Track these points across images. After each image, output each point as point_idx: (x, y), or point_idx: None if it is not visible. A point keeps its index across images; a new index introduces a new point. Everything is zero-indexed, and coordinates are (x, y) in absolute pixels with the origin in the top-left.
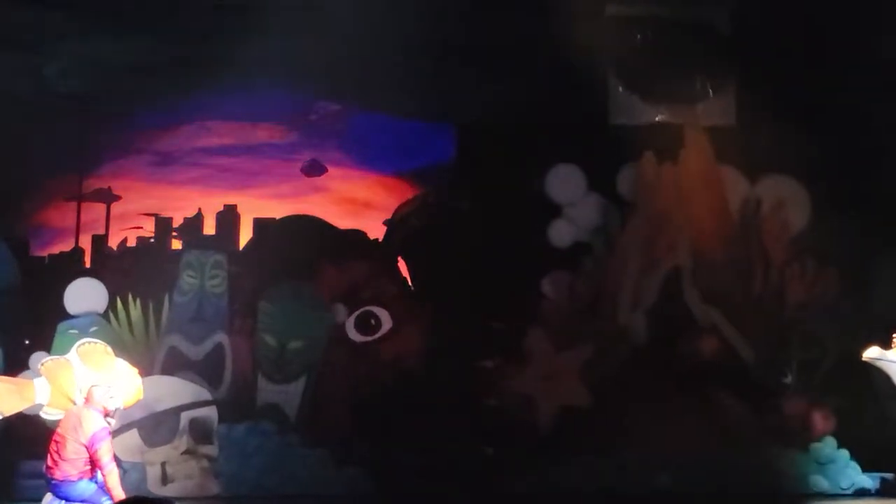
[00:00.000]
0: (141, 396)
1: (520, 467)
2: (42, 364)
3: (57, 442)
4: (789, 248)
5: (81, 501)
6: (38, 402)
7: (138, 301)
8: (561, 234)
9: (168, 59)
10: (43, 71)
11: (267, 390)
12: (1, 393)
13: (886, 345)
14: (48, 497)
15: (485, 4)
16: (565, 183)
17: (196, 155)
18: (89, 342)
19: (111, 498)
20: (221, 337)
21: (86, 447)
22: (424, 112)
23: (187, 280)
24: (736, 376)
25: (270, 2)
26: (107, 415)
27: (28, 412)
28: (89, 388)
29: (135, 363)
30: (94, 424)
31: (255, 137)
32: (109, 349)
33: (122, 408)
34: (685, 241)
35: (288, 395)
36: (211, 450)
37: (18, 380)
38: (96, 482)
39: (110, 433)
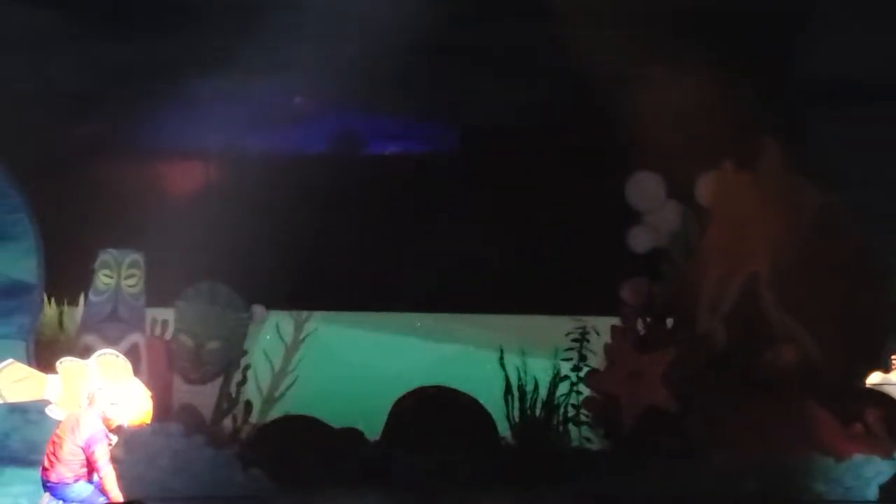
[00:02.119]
0: (148, 421)
1: (601, 468)
2: (60, 362)
3: (54, 443)
4: (863, 256)
5: (79, 503)
6: (46, 397)
7: (52, 300)
8: (640, 240)
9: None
10: None
11: (182, 391)
12: (13, 379)
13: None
14: (45, 498)
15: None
16: (645, 190)
17: None
18: (112, 354)
19: (108, 500)
20: (137, 337)
21: (82, 449)
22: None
23: (103, 279)
24: (817, 383)
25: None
26: (108, 427)
27: (31, 405)
28: (94, 391)
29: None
30: (91, 427)
31: None
32: (129, 367)
33: (125, 425)
34: (764, 247)
35: (204, 395)
36: (116, 451)
37: (33, 371)
38: (93, 484)
39: (107, 436)
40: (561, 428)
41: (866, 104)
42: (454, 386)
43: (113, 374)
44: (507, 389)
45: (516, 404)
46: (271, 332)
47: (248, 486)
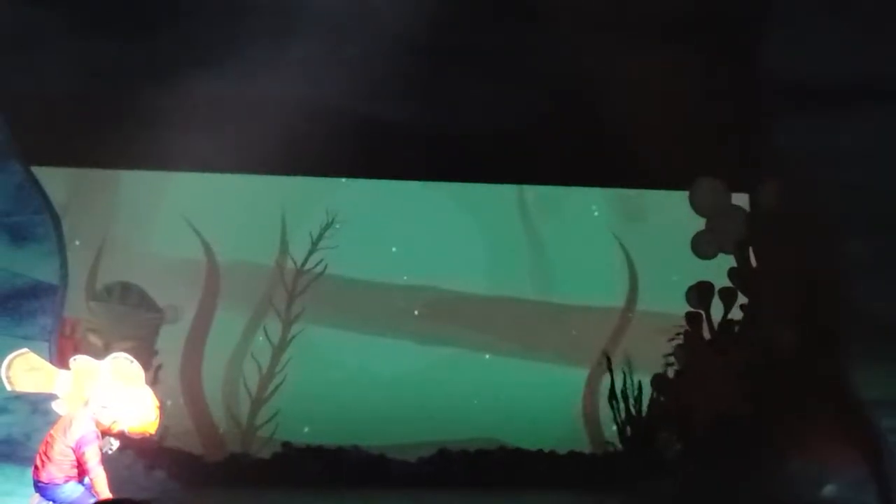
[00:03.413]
0: (152, 430)
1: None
2: (74, 359)
3: (47, 443)
4: None
5: (69, 503)
6: (55, 391)
7: None
8: (705, 246)
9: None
10: None
11: None
12: (26, 368)
13: None
14: (35, 498)
15: None
16: (709, 195)
17: None
18: (128, 359)
19: (98, 502)
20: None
21: (73, 450)
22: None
23: None
24: None
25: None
26: (106, 433)
27: (38, 397)
28: (91, 394)
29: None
30: (82, 428)
31: None
32: (142, 375)
33: (125, 432)
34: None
35: None
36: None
37: (46, 364)
38: (84, 485)
39: (99, 438)
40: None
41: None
42: (448, 388)
43: (123, 378)
44: (612, 394)
45: (622, 407)
46: (260, 333)
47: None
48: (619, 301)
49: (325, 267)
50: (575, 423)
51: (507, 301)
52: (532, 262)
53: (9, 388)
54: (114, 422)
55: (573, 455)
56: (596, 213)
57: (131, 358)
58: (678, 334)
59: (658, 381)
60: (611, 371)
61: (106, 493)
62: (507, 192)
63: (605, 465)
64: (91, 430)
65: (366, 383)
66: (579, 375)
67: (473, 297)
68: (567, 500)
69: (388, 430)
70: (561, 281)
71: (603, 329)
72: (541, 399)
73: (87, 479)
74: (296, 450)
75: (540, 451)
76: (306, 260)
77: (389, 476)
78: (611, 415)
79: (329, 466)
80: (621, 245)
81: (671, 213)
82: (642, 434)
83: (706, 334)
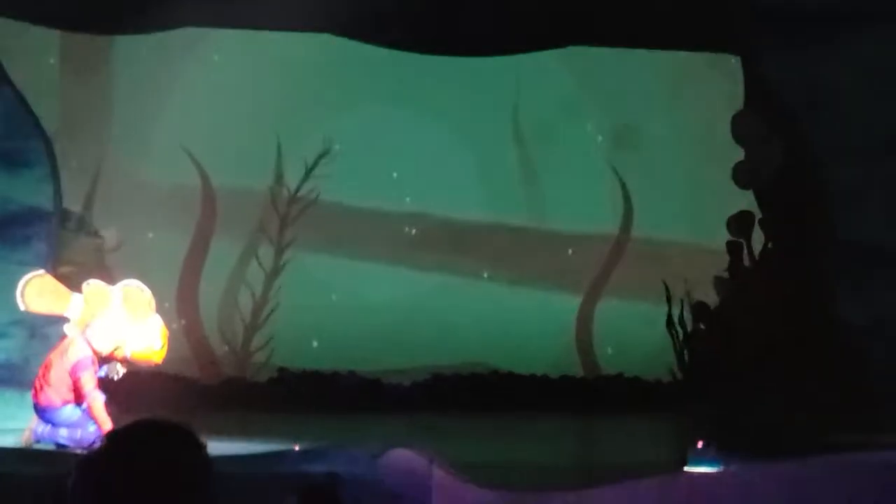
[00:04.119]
0: (157, 360)
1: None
2: (87, 283)
3: (46, 366)
4: None
5: (68, 426)
6: (67, 314)
7: None
8: (744, 175)
9: None
10: None
11: None
12: (41, 290)
13: None
14: (35, 420)
15: None
16: (748, 124)
17: None
18: (139, 287)
19: (98, 426)
20: None
21: (69, 374)
22: None
23: None
24: None
25: None
26: (111, 359)
27: (53, 331)
28: (90, 318)
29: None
30: (78, 352)
31: None
32: (152, 303)
33: (129, 358)
34: None
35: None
36: None
37: (60, 286)
38: (82, 409)
39: (95, 363)
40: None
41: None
42: (441, 314)
43: (132, 306)
44: (669, 321)
45: (680, 335)
46: (253, 260)
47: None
48: (613, 228)
49: (319, 194)
50: (568, 348)
51: (502, 227)
52: (527, 188)
53: (23, 308)
54: (117, 348)
55: (565, 379)
56: (599, 139)
57: (142, 285)
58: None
59: (699, 309)
60: (669, 301)
61: (104, 419)
62: (503, 117)
63: (596, 390)
64: (87, 356)
65: (359, 309)
66: (573, 301)
67: (467, 223)
68: (559, 425)
69: (382, 355)
70: (556, 207)
71: (597, 256)
72: (534, 324)
73: (85, 404)
74: (291, 374)
75: (532, 375)
76: (300, 187)
77: (383, 400)
78: (599, 341)
79: (324, 391)
80: (616, 172)
81: (667, 141)
82: (688, 363)
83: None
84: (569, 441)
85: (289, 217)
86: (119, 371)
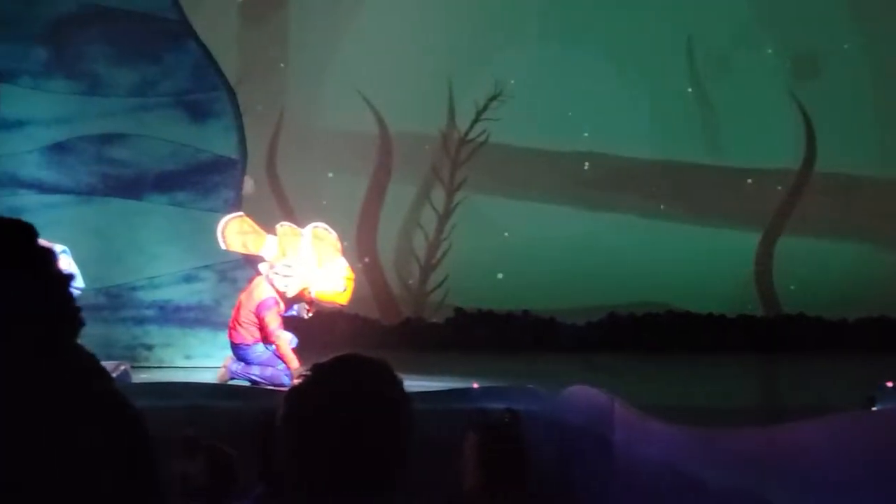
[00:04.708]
0: (341, 301)
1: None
2: (280, 225)
3: (237, 306)
4: None
5: (259, 364)
6: (262, 254)
7: None
8: None
9: None
10: None
11: None
12: (239, 231)
13: None
14: (229, 358)
15: None
16: None
17: None
18: (326, 229)
19: (286, 364)
20: None
21: (254, 313)
22: None
23: None
24: None
25: None
26: (298, 299)
27: (241, 275)
28: (282, 259)
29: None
30: (262, 292)
31: None
32: (338, 245)
33: (314, 298)
34: None
35: None
36: None
37: (257, 228)
38: (270, 348)
39: (277, 303)
40: None
41: None
42: (616, 253)
43: (321, 247)
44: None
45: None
46: (425, 201)
47: None
48: (794, 161)
49: (489, 135)
50: (746, 286)
51: (678, 163)
52: (702, 123)
53: (223, 246)
54: (304, 288)
55: (744, 319)
56: (778, 68)
57: (329, 228)
58: None
59: None
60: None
61: (290, 356)
62: (677, 50)
63: (777, 330)
64: (271, 296)
65: (533, 248)
66: (751, 239)
67: (642, 160)
68: (737, 365)
69: (556, 295)
70: (732, 143)
71: (777, 190)
72: (711, 263)
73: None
74: (466, 314)
75: (710, 314)
76: (470, 128)
77: (558, 340)
78: (780, 278)
79: (499, 330)
80: (798, 102)
81: (852, 68)
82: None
83: None
84: (748, 382)
85: (459, 159)
86: (300, 311)
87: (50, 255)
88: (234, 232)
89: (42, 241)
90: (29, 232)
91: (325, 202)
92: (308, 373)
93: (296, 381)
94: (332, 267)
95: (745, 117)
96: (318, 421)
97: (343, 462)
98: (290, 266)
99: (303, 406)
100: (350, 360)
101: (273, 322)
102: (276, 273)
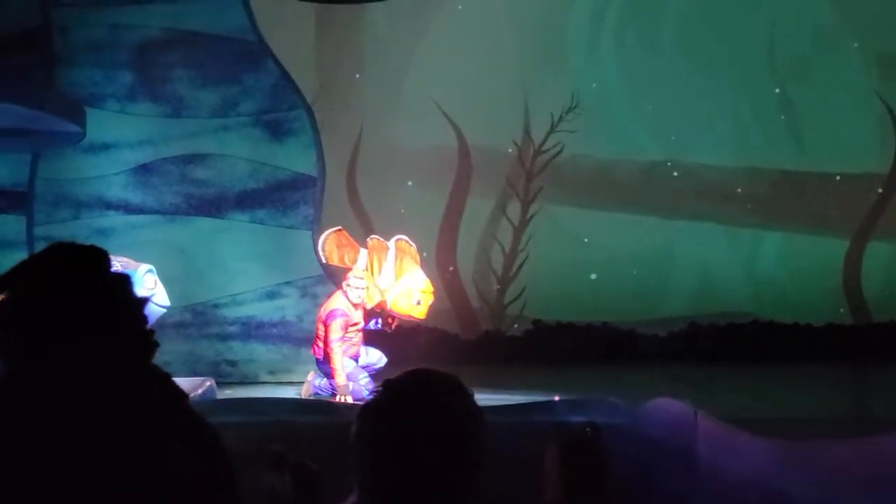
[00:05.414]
0: (417, 315)
1: None
2: (370, 238)
3: (317, 321)
4: None
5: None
6: (356, 266)
7: None
8: None
9: None
10: None
11: None
12: (339, 244)
13: None
14: (313, 373)
15: None
16: None
17: None
18: (408, 242)
19: (333, 379)
20: None
21: (322, 322)
22: None
23: None
24: None
25: None
26: (378, 311)
27: (321, 290)
28: (357, 273)
29: None
30: (332, 303)
31: None
32: (417, 256)
33: (391, 310)
34: None
35: None
36: None
37: (353, 241)
38: (356, 361)
39: (345, 315)
40: None
41: None
42: (696, 262)
43: (403, 259)
44: None
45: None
46: (501, 213)
47: None
48: (882, 165)
49: (564, 146)
50: (834, 295)
51: (760, 170)
52: (785, 128)
53: (323, 260)
54: (382, 301)
55: (831, 328)
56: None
57: (409, 240)
58: None
59: None
60: None
61: (339, 369)
62: (758, 54)
63: (865, 338)
64: (337, 307)
65: (612, 259)
66: (838, 246)
67: (723, 167)
68: (825, 375)
69: (635, 306)
70: (816, 147)
71: (865, 195)
72: (795, 271)
73: (356, 356)
74: (545, 326)
75: (796, 323)
76: (545, 140)
77: (639, 351)
78: (869, 285)
79: (579, 342)
80: (885, 105)
81: None
82: None
83: None
84: (836, 392)
85: (533, 170)
86: (389, 324)
87: (123, 280)
88: (334, 245)
89: (128, 261)
90: (101, 257)
91: (403, 214)
92: (380, 389)
93: (368, 399)
94: (410, 280)
95: (830, 120)
96: (391, 438)
97: (417, 478)
98: (361, 278)
99: (375, 423)
100: (421, 375)
101: (333, 333)
102: (349, 285)
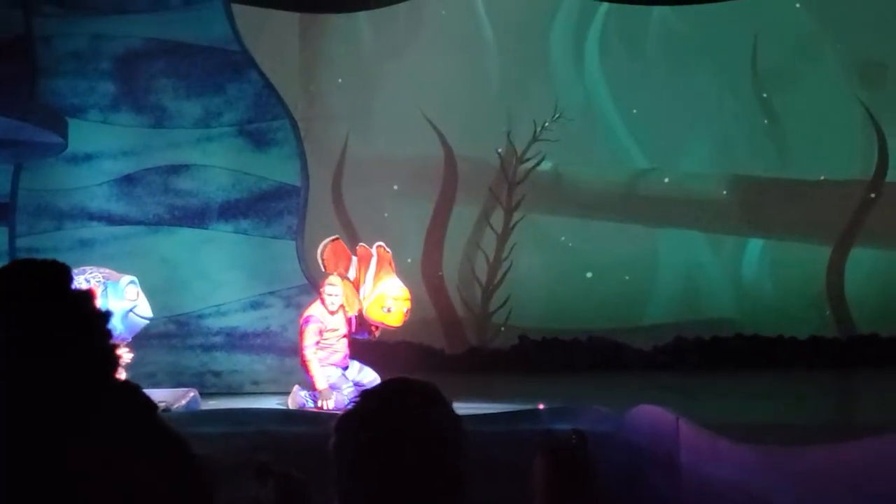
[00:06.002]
0: (391, 322)
1: None
2: (358, 247)
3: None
4: None
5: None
6: (348, 275)
7: None
8: None
9: None
10: None
11: None
12: (336, 252)
13: None
14: (297, 386)
15: None
16: None
17: None
18: (384, 248)
19: (313, 385)
20: None
21: (300, 327)
22: None
23: None
24: None
25: None
26: (370, 319)
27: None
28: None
29: None
30: (308, 310)
31: None
32: (391, 262)
33: (367, 317)
34: None
35: None
36: None
37: (347, 250)
38: (343, 371)
39: (319, 321)
40: None
41: None
42: (680, 270)
43: (381, 266)
44: None
45: None
46: (485, 222)
47: None
48: (865, 173)
49: (546, 155)
50: (817, 301)
51: (743, 178)
52: (768, 135)
53: (323, 269)
54: (357, 307)
55: (815, 341)
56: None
57: (384, 245)
58: None
59: None
60: None
61: (318, 377)
62: (741, 63)
63: (849, 349)
64: (313, 313)
65: (596, 267)
66: (822, 252)
67: (706, 175)
68: (807, 383)
69: (620, 313)
70: (800, 154)
71: (847, 204)
72: (779, 277)
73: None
74: (530, 341)
75: (780, 336)
76: (527, 149)
77: (623, 361)
78: (853, 293)
79: (563, 352)
80: (868, 111)
81: None
82: None
83: None
84: (818, 400)
85: (516, 179)
86: (373, 332)
87: (84, 295)
88: (332, 255)
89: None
90: (62, 272)
91: (388, 222)
92: (357, 399)
93: (346, 409)
94: (384, 287)
95: (813, 127)
96: (369, 448)
97: (397, 487)
98: (334, 284)
99: (353, 433)
100: (398, 384)
101: (307, 339)
102: (324, 292)
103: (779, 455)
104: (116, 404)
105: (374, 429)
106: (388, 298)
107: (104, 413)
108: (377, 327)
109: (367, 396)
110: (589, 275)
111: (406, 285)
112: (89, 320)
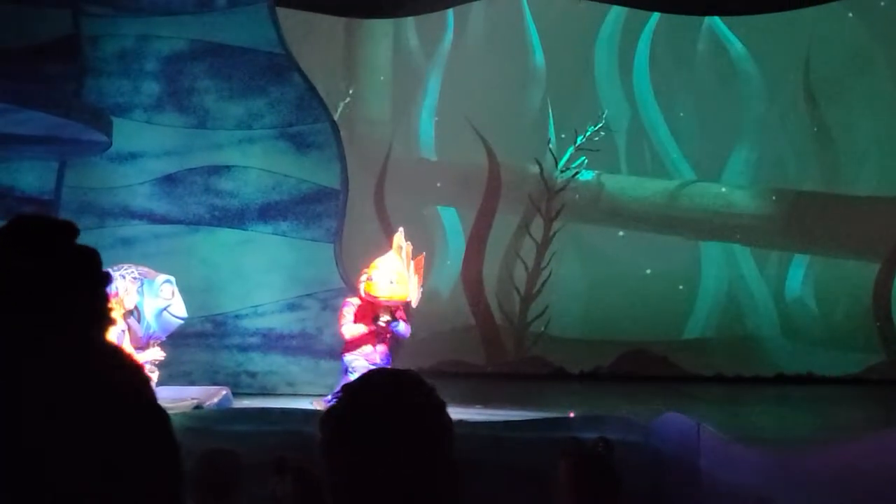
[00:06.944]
0: (396, 297)
1: None
2: (397, 233)
3: None
4: None
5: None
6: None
7: None
8: None
9: None
10: None
11: None
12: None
13: None
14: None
15: None
16: None
17: None
18: (399, 231)
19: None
20: None
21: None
22: None
23: None
24: None
25: None
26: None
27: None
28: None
29: None
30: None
31: None
32: (404, 245)
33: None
34: None
35: None
36: None
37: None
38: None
39: (353, 303)
40: None
41: None
42: (721, 283)
43: (395, 249)
44: None
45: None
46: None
47: None
48: None
49: (587, 164)
50: (863, 319)
51: (790, 192)
52: (816, 150)
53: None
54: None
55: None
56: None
57: (401, 230)
58: None
59: None
60: None
61: (355, 330)
62: (791, 75)
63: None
64: (348, 298)
65: (634, 279)
66: (868, 269)
67: (750, 188)
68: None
69: (660, 327)
70: (847, 169)
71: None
72: (824, 294)
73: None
74: (564, 344)
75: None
76: (567, 158)
77: (652, 368)
78: None
79: (595, 359)
80: None
81: None
82: None
83: None
84: (844, 410)
85: (555, 188)
86: (384, 318)
87: (84, 252)
88: (396, 245)
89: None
90: (66, 228)
91: (429, 228)
92: (339, 394)
93: (329, 405)
94: (387, 266)
95: (862, 142)
96: (356, 442)
97: (382, 477)
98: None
99: (338, 428)
100: (379, 375)
101: (343, 317)
102: (364, 279)
103: (790, 455)
104: (98, 365)
105: (361, 421)
106: (393, 273)
107: (84, 372)
108: (394, 309)
109: (349, 390)
110: (629, 285)
111: (446, 292)
112: (80, 278)
